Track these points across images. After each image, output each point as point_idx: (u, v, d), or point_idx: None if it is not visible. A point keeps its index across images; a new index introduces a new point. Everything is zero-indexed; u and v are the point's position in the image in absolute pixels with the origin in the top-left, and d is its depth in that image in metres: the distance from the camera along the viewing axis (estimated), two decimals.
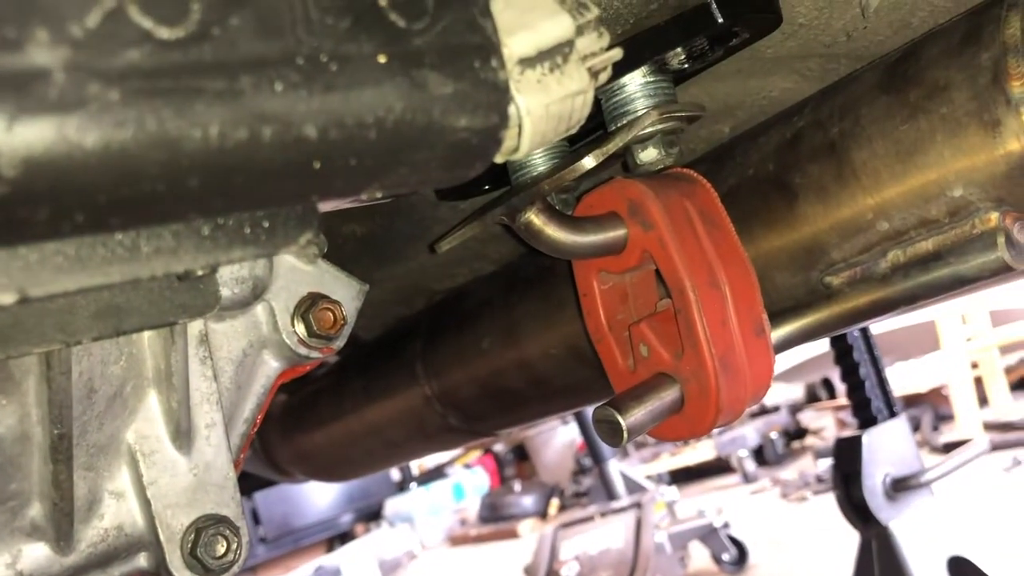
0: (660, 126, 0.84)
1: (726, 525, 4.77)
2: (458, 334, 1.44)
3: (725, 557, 4.72)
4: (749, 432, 7.32)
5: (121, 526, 0.84)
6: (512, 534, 8.37)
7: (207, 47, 0.37)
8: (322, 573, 5.84)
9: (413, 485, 9.96)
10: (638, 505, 4.63)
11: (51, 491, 0.78)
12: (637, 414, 0.83)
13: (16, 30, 0.33)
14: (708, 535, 4.69)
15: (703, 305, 0.84)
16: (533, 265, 1.30)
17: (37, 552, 0.80)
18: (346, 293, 0.96)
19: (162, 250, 0.46)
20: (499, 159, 0.50)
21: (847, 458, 2.39)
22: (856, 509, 2.38)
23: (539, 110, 0.48)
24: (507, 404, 1.42)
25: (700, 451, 7.73)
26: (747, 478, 7.09)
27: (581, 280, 0.95)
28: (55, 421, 0.75)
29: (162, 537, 0.84)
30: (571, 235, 0.86)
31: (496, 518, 9.06)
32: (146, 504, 0.84)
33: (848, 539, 2.65)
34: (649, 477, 6.95)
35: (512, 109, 0.46)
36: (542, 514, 8.70)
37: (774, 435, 7.40)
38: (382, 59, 0.41)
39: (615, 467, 5.37)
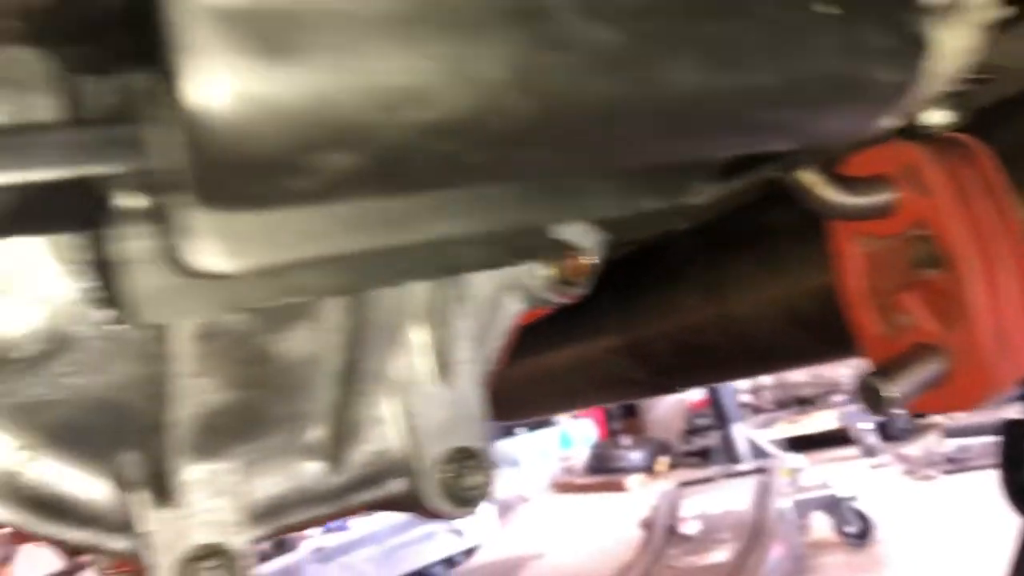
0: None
1: (852, 497, 4.68)
2: (655, 288, 1.43)
3: (849, 529, 4.64)
4: None
5: (383, 452, 0.87)
6: (619, 487, 8.42)
7: None
8: None
9: (520, 430, 10.09)
10: (763, 470, 4.59)
11: (332, 414, 0.82)
12: (903, 384, 0.82)
13: None
14: (833, 506, 4.61)
15: (979, 277, 0.82)
16: (748, 224, 1.29)
17: (313, 470, 0.84)
18: (591, 242, 0.96)
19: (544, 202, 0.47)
20: (898, 117, 0.49)
21: (1016, 440, 2.30)
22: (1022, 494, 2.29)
23: (946, 62, 0.47)
24: (701, 361, 1.42)
25: (819, 420, 7.58)
26: (868, 452, 6.92)
27: (837, 242, 0.93)
28: (348, 348, 0.79)
29: (419, 464, 0.87)
30: (841, 195, 0.84)
31: (603, 469, 9.13)
32: (406, 432, 0.87)
33: (987, 523, 2.56)
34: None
35: (924, 62, 0.46)
36: (649, 470, 8.72)
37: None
38: (820, 9, 0.40)
39: (740, 430, 5.32)
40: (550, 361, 1.68)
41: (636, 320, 1.47)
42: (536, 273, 0.96)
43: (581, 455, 9.72)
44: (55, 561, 9.02)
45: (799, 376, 8.26)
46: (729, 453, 5.31)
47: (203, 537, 0.77)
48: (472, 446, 0.89)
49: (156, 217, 0.43)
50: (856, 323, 0.94)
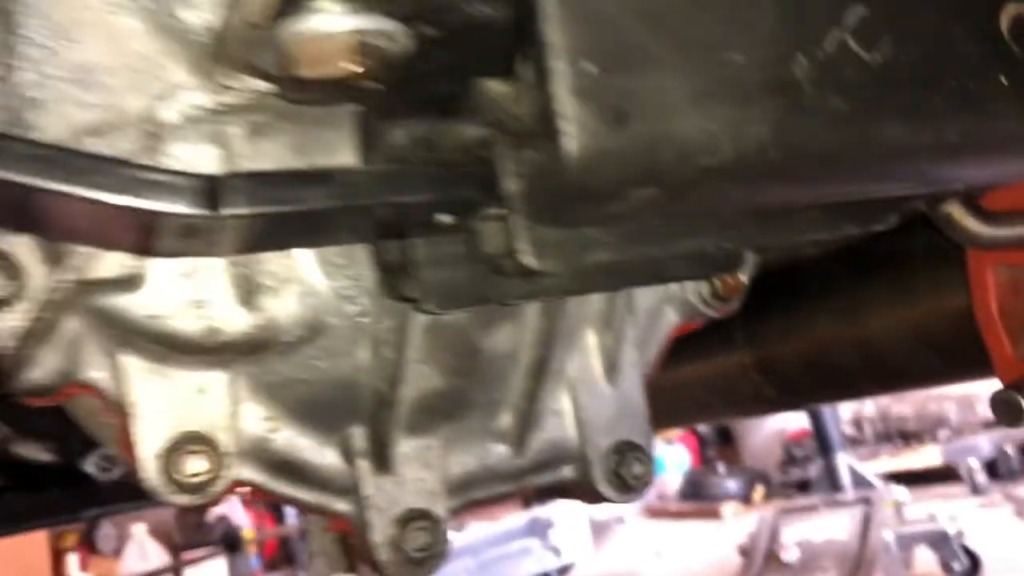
0: None
1: (959, 533, 4.60)
2: (788, 308, 1.52)
3: (956, 566, 4.57)
4: (983, 442, 6.95)
5: (557, 440, 0.99)
6: (714, 514, 8.38)
7: (894, 69, 0.48)
8: (536, 524, 6.12)
9: None
10: (866, 500, 4.55)
11: (520, 404, 0.94)
12: None
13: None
14: (939, 541, 4.55)
15: None
16: (883, 250, 1.37)
17: (500, 452, 0.96)
18: (747, 262, 1.07)
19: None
20: None
21: None
22: None
23: None
24: (831, 379, 1.50)
25: (925, 455, 7.42)
26: (976, 489, 6.75)
27: (976, 270, 1.02)
28: (539, 346, 0.91)
29: (589, 454, 0.99)
30: (988, 228, 0.93)
31: (697, 496, 9.08)
32: (579, 424, 0.99)
33: None
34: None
35: None
36: (746, 499, 8.64)
37: (1010, 448, 6.99)
38: (1004, 82, 0.51)
39: (843, 460, 5.29)
40: (683, 374, 1.78)
41: (767, 338, 1.56)
42: (694, 288, 1.07)
43: (674, 481, 9.68)
44: (161, 556, 9.38)
45: (903, 409, 8.10)
46: (831, 482, 5.27)
47: (413, 502, 0.90)
48: (635, 440, 1.01)
49: (456, 230, 0.57)
50: (991, 345, 1.02)
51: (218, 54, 0.60)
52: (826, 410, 5.35)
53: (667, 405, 1.85)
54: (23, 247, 0.75)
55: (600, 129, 0.40)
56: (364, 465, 0.90)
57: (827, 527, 4.50)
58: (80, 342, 0.79)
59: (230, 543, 4.76)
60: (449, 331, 0.84)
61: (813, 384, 1.54)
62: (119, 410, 0.83)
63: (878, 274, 1.36)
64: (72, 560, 9.22)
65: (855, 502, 4.63)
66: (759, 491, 8.58)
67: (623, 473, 0.99)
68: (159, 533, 9.38)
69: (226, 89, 0.64)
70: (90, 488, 2.40)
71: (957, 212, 0.93)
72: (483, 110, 0.54)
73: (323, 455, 0.90)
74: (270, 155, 0.74)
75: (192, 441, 0.81)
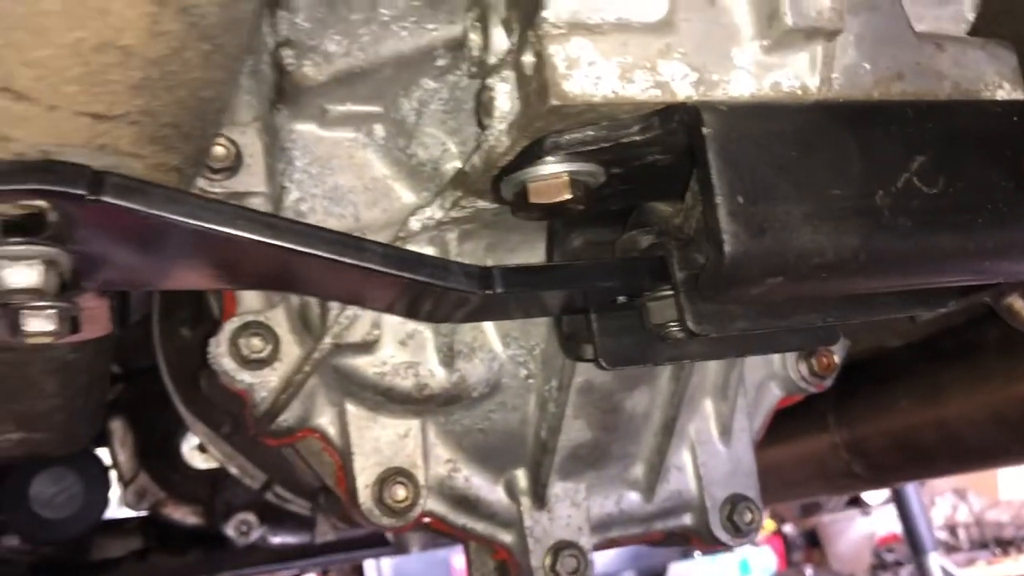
0: None
1: None
2: (875, 392, 1.70)
3: None
4: None
5: (680, 491, 1.18)
6: None
7: (947, 198, 0.70)
8: None
9: (697, 553, 9.94)
10: None
11: (652, 456, 1.15)
12: None
13: None
14: None
15: None
16: (957, 340, 1.55)
17: (633, 498, 1.16)
18: (839, 344, 1.27)
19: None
20: None
21: None
22: None
23: None
24: (916, 458, 1.66)
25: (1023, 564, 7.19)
26: None
27: None
28: (669, 408, 1.12)
29: (707, 503, 1.18)
30: None
31: None
32: (698, 478, 1.18)
33: None
34: None
35: None
36: None
37: None
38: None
39: (935, 560, 5.22)
40: (775, 455, 1.95)
41: (857, 420, 1.73)
42: (795, 367, 1.27)
43: None
44: None
45: (999, 515, 7.88)
46: None
47: (563, 535, 1.10)
48: (746, 493, 1.19)
49: (625, 308, 0.80)
50: None
51: (457, 182, 0.85)
52: (918, 511, 5.31)
53: (763, 481, 2.01)
54: (279, 317, 0.99)
55: (746, 239, 0.63)
56: (526, 502, 1.11)
57: None
58: (315, 394, 1.03)
59: None
60: (598, 392, 1.06)
61: (899, 462, 1.70)
62: (339, 450, 1.06)
63: (956, 362, 1.53)
64: None
65: None
66: None
67: (736, 520, 1.17)
68: None
69: (455, 207, 0.89)
70: (227, 551, 2.64)
71: (1018, 304, 1.12)
72: (652, 223, 0.77)
73: (492, 492, 1.11)
74: (470, 253, 0.98)
75: (397, 475, 1.04)
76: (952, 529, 8.33)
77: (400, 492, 1.02)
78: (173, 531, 2.59)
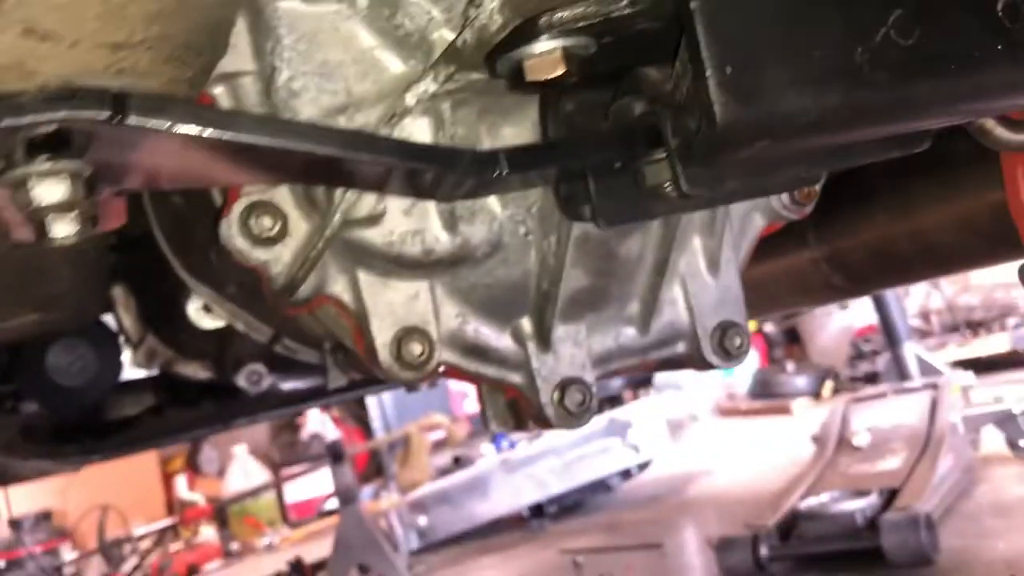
0: None
1: None
2: (853, 208, 1.77)
3: (1022, 443, 4.79)
4: None
5: (672, 323, 1.27)
6: (784, 410, 8.64)
7: (923, 49, 0.74)
8: (615, 425, 6.48)
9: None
10: (934, 386, 4.78)
11: (646, 294, 1.22)
12: None
13: None
14: (1005, 420, 4.77)
15: None
16: (930, 155, 1.60)
17: (630, 333, 1.24)
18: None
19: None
20: None
21: None
22: None
23: None
24: (892, 267, 1.75)
25: (992, 343, 7.57)
26: None
27: (1009, 169, 1.26)
28: (664, 247, 1.19)
29: (699, 332, 1.27)
30: (1015, 135, 1.16)
31: (767, 395, 9.34)
32: (689, 310, 1.26)
33: None
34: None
35: None
36: (815, 394, 8.88)
37: None
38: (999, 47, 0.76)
39: (910, 349, 5.50)
40: (756, 273, 2.04)
41: (835, 236, 1.81)
42: (776, 196, 1.33)
43: (742, 381, 9.93)
44: (262, 473, 9.95)
45: (970, 300, 8.22)
46: (899, 373, 5.50)
47: (568, 372, 1.19)
48: (735, 319, 1.28)
49: (621, 171, 0.85)
50: (1021, 231, 1.27)
51: (450, 57, 0.87)
52: (892, 303, 5.55)
53: (748, 299, 2.12)
54: (284, 195, 1.03)
55: (736, 108, 0.67)
56: (532, 346, 1.19)
57: (896, 413, 4.75)
58: (328, 265, 1.09)
59: (335, 455, 5.19)
60: (594, 242, 1.12)
61: (877, 272, 1.79)
62: (355, 314, 1.12)
63: (928, 176, 1.59)
64: (180, 482, 9.94)
65: (923, 388, 4.87)
66: (828, 387, 8.81)
67: (727, 345, 1.26)
68: (258, 454, 10.04)
69: (449, 80, 0.91)
70: (239, 400, 2.77)
71: (989, 124, 1.17)
72: (643, 89, 0.81)
73: (500, 340, 1.19)
74: (463, 121, 1.01)
75: (411, 332, 1.11)
76: (926, 316, 8.70)
77: (416, 348, 1.10)
78: (185, 386, 2.70)
